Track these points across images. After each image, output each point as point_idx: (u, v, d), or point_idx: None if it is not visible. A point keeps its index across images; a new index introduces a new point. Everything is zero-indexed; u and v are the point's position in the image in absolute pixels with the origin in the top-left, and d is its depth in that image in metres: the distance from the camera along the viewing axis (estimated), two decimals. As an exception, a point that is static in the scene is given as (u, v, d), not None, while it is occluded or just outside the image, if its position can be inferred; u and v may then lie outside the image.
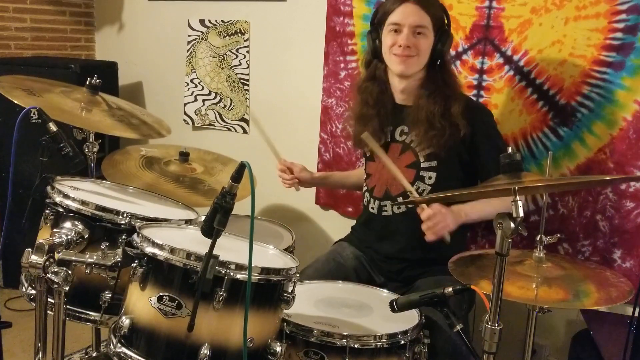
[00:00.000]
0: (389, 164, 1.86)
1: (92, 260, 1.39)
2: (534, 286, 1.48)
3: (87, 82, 2.02)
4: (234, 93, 3.04)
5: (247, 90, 2.99)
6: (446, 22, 1.91)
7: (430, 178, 1.93)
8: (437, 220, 1.73)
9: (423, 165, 1.94)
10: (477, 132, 1.89)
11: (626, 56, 1.96)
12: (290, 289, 1.38)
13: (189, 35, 3.15)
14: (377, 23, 1.93)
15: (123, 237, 1.49)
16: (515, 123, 2.19)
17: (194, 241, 1.44)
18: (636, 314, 1.30)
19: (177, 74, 3.22)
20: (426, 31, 1.85)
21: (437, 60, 1.90)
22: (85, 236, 1.49)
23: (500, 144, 1.94)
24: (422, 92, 1.91)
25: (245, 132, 3.04)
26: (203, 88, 3.14)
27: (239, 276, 1.26)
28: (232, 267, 1.26)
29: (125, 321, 1.30)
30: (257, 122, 2.27)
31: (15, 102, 1.75)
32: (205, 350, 1.25)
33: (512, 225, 1.22)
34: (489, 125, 1.94)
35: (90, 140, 2.04)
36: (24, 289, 1.57)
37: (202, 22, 3.09)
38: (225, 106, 3.08)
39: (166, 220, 1.59)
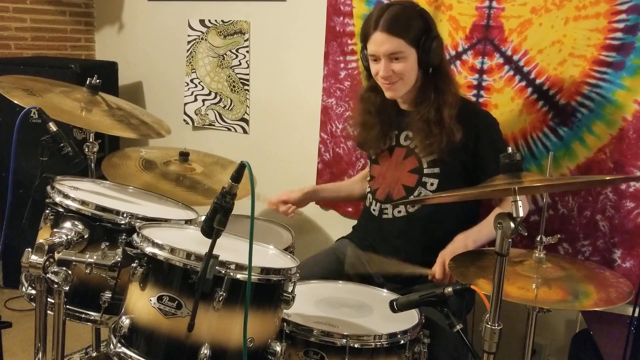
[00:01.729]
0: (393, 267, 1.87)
1: (92, 260, 1.39)
2: (533, 286, 1.48)
3: (87, 82, 2.02)
4: (234, 93, 3.04)
5: (247, 90, 2.99)
6: (427, 27, 1.82)
7: (432, 184, 1.93)
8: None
9: (426, 171, 1.93)
10: (480, 138, 1.88)
11: (626, 56, 1.96)
12: (290, 289, 1.38)
13: (189, 35, 3.15)
14: (363, 44, 1.91)
15: (123, 237, 1.49)
16: (515, 123, 2.19)
17: (194, 241, 1.44)
18: (636, 314, 1.29)
19: (177, 74, 3.22)
20: (403, 54, 1.81)
21: (428, 70, 1.86)
22: (85, 236, 1.49)
23: (504, 150, 1.92)
24: (416, 99, 1.91)
25: (245, 132, 3.04)
26: (203, 88, 3.14)
27: (239, 276, 1.26)
28: (232, 267, 1.26)
29: (125, 321, 1.30)
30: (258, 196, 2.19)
31: (15, 102, 1.75)
32: (205, 350, 1.25)
33: (512, 225, 1.22)
34: (492, 131, 1.94)
35: (90, 140, 2.04)
36: (24, 289, 1.57)
37: (202, 22, 3.09)
38: (225, 106, 3.08)
39: (166, 220, 1.59)
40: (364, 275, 1.94)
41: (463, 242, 1.79)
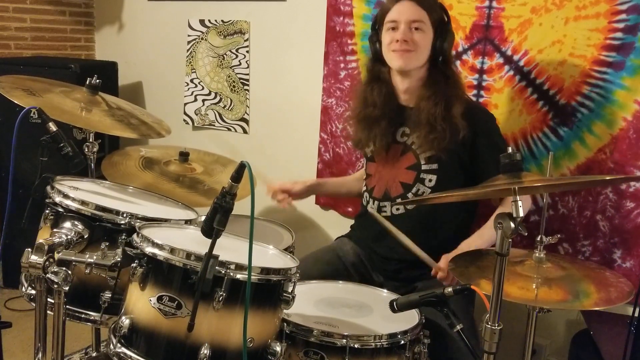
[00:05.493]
0: (407, 242, 1.84)
1: (92, 260, 1.39)
2: (534, 286, 1.48)
3: (87, 82, 2.02)
4: (234, 93, 3.04)
5: (247, 90, 2.99)
6: (446, 19, 1.90)
7: (430, 180, 1.93)
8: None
9: (424, 167, 1.93)
10: (478, 135, 1.88)
11: (626, 56, 1.96)
12: (290, 289, 1.38)
13: (189, 35, 3.15)
14: (377, 25, 1.94)
15: (123, 237, 1.49)
16: (515, 123, 2.19)
17: (194, 241, 1.44)
18: (636, 314, 1.30)
19: (177, 74, 3.22)
20: (423, 26, 1.85)
21: (438, 58, 1.89)
22: (85, 236, 1.49)
23: (502, 147, 1.93)
24: (424, 92, 1.90)
25: (245, 132, 3.04)
26: (203, 88, 3.14)
27: (238, 276, 1.26)
28: (232, 267, 1.26)
29: (125, 321, 1.30)
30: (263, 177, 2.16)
31: (15, 102, 1.75)
32: (205, 350, 1.25)
33: (512, 225, 1.22)
34: (490, 128, 1.94)
35: (90, 140, 2.03)
36: (24, 289, 1.57)
37: (202, 22, 3.09)
38: (225, 106, 3.08)
39: (166, 220, 1.59)
40: (383, 228, 1.88)
41: (466, 248, 1.78)
